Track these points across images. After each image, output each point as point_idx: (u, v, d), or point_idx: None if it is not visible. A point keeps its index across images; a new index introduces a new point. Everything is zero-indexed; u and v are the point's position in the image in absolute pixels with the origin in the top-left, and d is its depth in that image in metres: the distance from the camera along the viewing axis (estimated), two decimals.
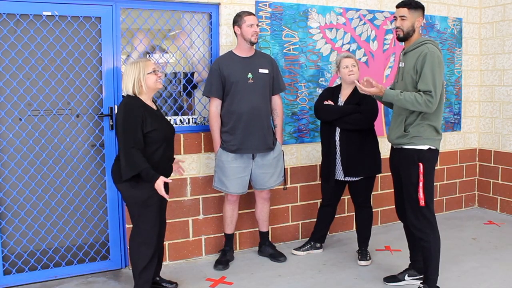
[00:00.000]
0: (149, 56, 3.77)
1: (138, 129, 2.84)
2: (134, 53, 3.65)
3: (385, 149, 4.53)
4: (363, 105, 3.63)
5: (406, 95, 2.94)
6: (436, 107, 2.99)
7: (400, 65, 3.14)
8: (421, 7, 3.07)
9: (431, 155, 3.04)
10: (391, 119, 3.25)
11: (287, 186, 4.15)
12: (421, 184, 2.99)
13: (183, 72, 3.93)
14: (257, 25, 3.56)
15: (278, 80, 3.74)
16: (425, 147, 3.01)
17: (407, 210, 3.11)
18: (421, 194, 2.99)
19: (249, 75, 3.56)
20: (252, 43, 3.56)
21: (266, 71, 3.63)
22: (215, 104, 3.60)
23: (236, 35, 3.60)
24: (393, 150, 3.25)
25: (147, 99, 2.99)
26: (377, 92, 3.05)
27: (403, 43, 3.14)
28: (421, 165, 2.99)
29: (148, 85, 2.95)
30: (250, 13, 3.56)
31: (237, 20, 3.55)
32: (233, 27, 3.58)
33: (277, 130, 3.77)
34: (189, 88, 3.91)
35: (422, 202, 2.99)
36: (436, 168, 3.28)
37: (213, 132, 3.63)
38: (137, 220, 2.95)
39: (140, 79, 2.92)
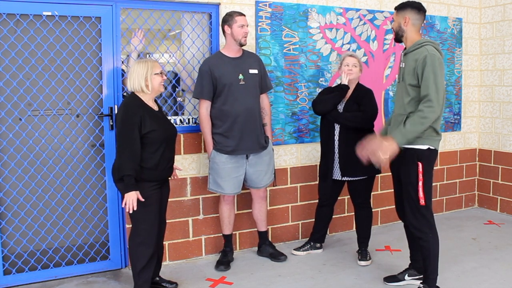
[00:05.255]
0: (149, 56, 3.78)
1: (135, 130, 2.84)
2: (133, 52, 3.65)
3: None
4: (363, 105, 3.63)
5: (410, 121, 2.90)
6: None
7: (401, 66, 3.15)
8: (409, 6, 3.07)
9: (430, 155, 3.05)
10: (391, 119, 3.25)
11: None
12: (420, 183, 2.99)
13: (173, 72, 3.94)
14: (247, 26, 3.54)
15: (265, 79, 3.74)
16: (425, 147, 3.01)
17: (406, 209, 3.11)
18: (421, 194, 3.00)
19: (240, 76, 3.55)
20: (241, 45, 3.54)
21: (256, 71, 3.63)
22: (205, 106, 3.56)
23: (225, 35, 3.57)
24: None
25: (149, 99, 3.00)
26: (390, 151, 2.93)
27: (402, 43, 3.16)
28: (420, 164, 2.99)
29: (153, 86, 2.97)
30: (241, 14, 3.53)
31: (228, 19, 3.51)
32: (223, 26, 3.55)
33: (266, 129, 3.77)
34: (178, 88, 3.91)
35: (422, 202, 3.00)
36: (436, 168, 3.28)
37: (205, 134, 3.60)
38: (136, 220, 2.95)
39: (148, 78, 2.94)
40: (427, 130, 3.00)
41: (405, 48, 3.13)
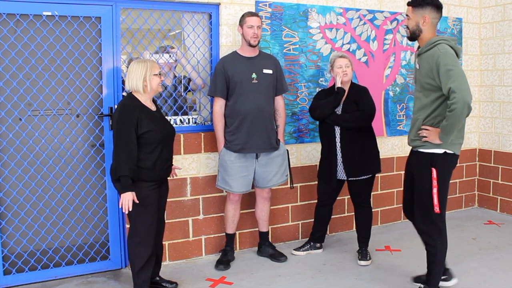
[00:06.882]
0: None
1: (131, 131, 2.84)
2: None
3: (384, 149, 4.54)
4: (361, 104, 3.63)
5: (445, 118, 2.72)
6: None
7: (416, 67, 2.99)
8: (428, 4, 2.86)
9: (447, 160, 2.85)
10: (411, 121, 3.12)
11: (293, 185, 4.08)
12: (435, 190, 2.83)
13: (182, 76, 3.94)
14: (259, 27, 3.55)
15: (281, 81, 3.75)
16: (440, 151, 2.83)
17: (415, 213, 3.00)
18: (435, 201, 2.83)
19: (253, 75, 3.57)
20: (250, 45, 3.56)
21: (270, 71, 3.64)
22: (219, 104, 3.60)
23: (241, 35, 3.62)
24: (410, 151, 3.12)
25: (146, 99, 3.00)
26: (434, 139, 2.83)
27: (416, 42, 2.98)
28: (434, 170, 2.82)
29: (152, 86, 2.97)
30: (252, 14, 3.56)
31: (241, 20, 3.58)
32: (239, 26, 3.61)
33: (279, 131, 3.78)
34: (186, 91, 3.91)
35: (436, 209, 2.84)
36: None
37: (217, 131, 3.64)
38: (134, 220, 2.95)
39: (147, 78, 2.94)
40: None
41: (419, 47, 2.96)
